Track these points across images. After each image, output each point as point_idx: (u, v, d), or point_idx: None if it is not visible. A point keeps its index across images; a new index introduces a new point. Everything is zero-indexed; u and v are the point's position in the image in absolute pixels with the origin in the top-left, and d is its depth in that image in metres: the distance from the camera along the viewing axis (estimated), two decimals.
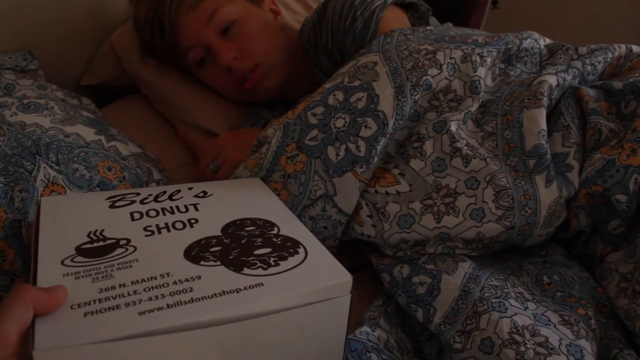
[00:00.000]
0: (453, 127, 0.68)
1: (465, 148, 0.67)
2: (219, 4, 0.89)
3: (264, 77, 0.93)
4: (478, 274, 0.64)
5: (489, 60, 0.75)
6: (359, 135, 0.66)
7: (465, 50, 0.73)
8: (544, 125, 0.68)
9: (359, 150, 0.66)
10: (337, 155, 0.66)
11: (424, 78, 0.69)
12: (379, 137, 0.66)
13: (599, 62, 0.80)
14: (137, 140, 0.89)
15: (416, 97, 0.69)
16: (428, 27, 0.84)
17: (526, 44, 0.82)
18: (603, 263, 0.68)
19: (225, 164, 0.79)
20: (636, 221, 0.66)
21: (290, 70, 0.97)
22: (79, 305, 0.41)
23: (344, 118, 0.67)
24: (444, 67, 0.71)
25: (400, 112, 0.67)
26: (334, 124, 0.67)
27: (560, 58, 0.81)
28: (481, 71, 0.72)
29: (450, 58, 0.71)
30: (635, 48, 0.84)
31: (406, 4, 0.93)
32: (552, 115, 0.73)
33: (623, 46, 0.84)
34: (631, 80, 0.73)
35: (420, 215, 0.66)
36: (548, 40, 0.89)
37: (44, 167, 0.68)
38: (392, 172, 0.68)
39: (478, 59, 0.72)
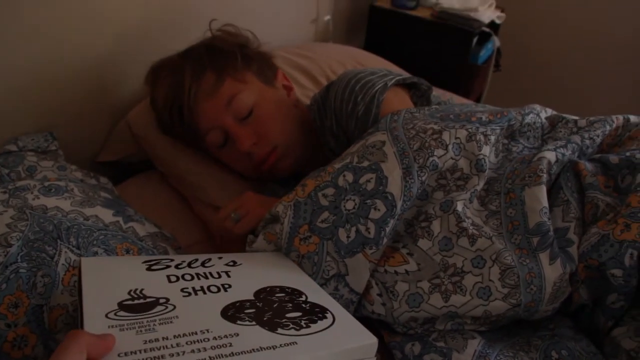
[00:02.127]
0: (459, 206, 0.71)
1: (471, 228, 0.69)
2: (236, 90, 0.91)
3: (281, 158, 0.96)
4: (487, 351, 0.65)
5: (492, 138, 0.78)
6: (369, 217, 0.69)
7: (470, 130, 0.76)
8: (545, 203, 0.70)
9: (369, 232, 0.68)
10: (347, 237, 0.68)
11: (431, 159, 0.72)
12: (388, 219, 0.69)
13: (598, 136, 0.83)
14: (153, 219, 0.92)
15: (423, 178, 0.71)
16: (434, 106, 0.87)
17: (528, 119, 0.85)
18: (609, 337, 0.68)
19: (247, 215, 0.81)
20: (630, 296, 0.67)
21: (305, 146, 0.99)
22: (125, 354, 0.43)
23: (354, 200, 0.69)
24: (450, 147, 0.73)
25: (407, 194, 0.70)
26: (344, 206, 0.69)
27: (561, 132, 0.84)
28: (486, 149, 0.75)
29: (456, 138, 0.74)
30: (632, 118, 0.88)
31: (408, 84, 0.96)
32: (552, 190, 0.75)
33: (620, 117, 0.87)
34: (627, 154, 0.75)
35: (429, 294, 0.68)
36: (549, 111, 0.92)
37: (65, 252, 0.70)
38: (400, 251, 0.71)
39: (482, 137, 0.75)
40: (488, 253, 0.68)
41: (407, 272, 0.69)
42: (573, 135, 0.83)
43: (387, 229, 0.69)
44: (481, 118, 0.80)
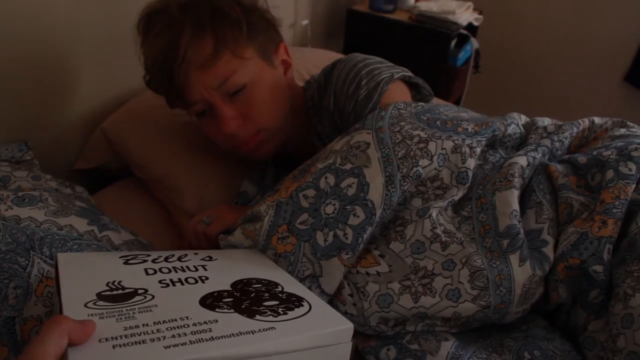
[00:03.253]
0: (434, 213, 0.71)
1: (443, 235, 0.70)
2: (232, 69, 0.84)
3: (263, 142, 0.93)
4: (460, 353, 0.66)
5: (478, 150, 0.77)
6: (347, 223, 0.69)
7: (456, 141, 0.75)
8: (515, 206, 0.71)
9: (346, 238, 0.68)
10: (325, 240, 0.68)
11: (415, 169, 0.71)
12: (366, 226, 0.69)
13: (566, 138, 0.85)
14: (129, 226, 0.92)
15: (405, 187, 0.71)
16: (421, 104, 0.85)
17: (510, 130, 0.85)
18: (586, 332, 0.69)
19: (218, 220, 0.82)
20: (609, 289, 0.68)
21: (289, 130, 0.96)
22: (106, 339, 0.44)
23: (334, 204, 0.69)
24: (435, 157, 0.73)
25: (388, 202, 0.70)
26: (324, 210, 0.69)
27: (531, 137, 0.86)
28: (470, 162, 0.75)
29: (442, 149, 0.74)
30: (597, 120, 0.90)
31: (412, 83, 0.95)
32: (525, 193, 0.76)
33: (587, 120, 0.90)
34: (594, 153, 0.77)
35: (399, 295, 0.68)
36: (524, 118, 0.93)
37: (38, 262, 0.70)
38: (372, 253, 0.71)
39: (468, 150, 0.75)
40: (458, 257, 0.68)
41: (378, 273, 0.70)
42: (543, 139, 0.84)
43: (365, 236, 0.69)
44: (467, 129, 0.79)
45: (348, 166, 0.71)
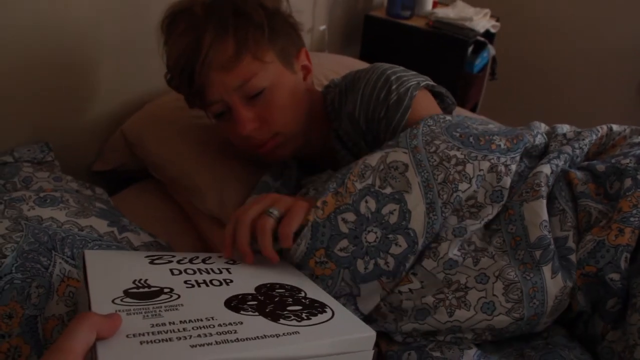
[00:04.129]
0: (469, 231, 0.72)
1: (474, 252, 0.70)
2: (252, 72, 0.85)
3: (279, 146, 0.93)
4: None
5: (513, 167, 0.77)
6: (389, 252, 0.68)
7: (492, 161, 0.75)
8: (545, 216, 0.71)
9: (388, 266, 0.68)
10: (365, 268, 0.68)
11: (455, 195, 0.71)
12: (409, 255, 0.69)
13: (586, 145, 0.85)
14: (148, 228, 0.92)
15: (446, 214, 0.71)
16: (448, 117, 0.84)
17: (537, 140, 0.85)
18: (604, 342, 0.69)
19: (291, 214, 0.67)
20: (627, 299, 0.68)
21: (307, 135, 0.97)
22: (134, 335, 0.44)
23: (376, 232, 0.68)
24: (473, 180, 0.73)
25: (430, 230, 0.70)
26: (365, 238, 0.68)
27: (552, 145, 0.85)
28: (506, 181, 0.75)
29: (480, 170, 0.73)
30: (615, 127, 0.90)
31: (435, 92, 0.95)
32: (548, 201, 0.76)
33: (605, 127, 0.89)
34: (613, 161, 0.77)
35: (434, 309, 0.68)
36: (544, 127, 0.93)
37: (60, 262, 0.71)
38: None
39: (503, 169, 0.75)
40: (491, 270, 0.69)
41: (410, 290, 0.70)
42: (563, 146, 0.84)
43: (407, 265, 0.69)
44: (500, 145, 0.77)
45: (388, 190, 0.69)
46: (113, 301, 0.50)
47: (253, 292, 0.59)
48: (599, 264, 0.68)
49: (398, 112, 0.85)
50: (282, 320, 0.52)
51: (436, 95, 0.95)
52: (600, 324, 0.70)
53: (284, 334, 0.49)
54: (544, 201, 0.72)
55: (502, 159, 0.76)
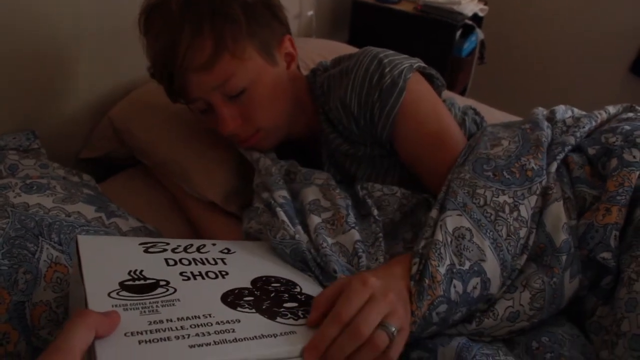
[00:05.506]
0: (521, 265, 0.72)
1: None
2: (232, 72, 0.84)
3: (263, 140, 0.94)
4: (470, 344, 0.66)
5: (551, 182, 0.76)
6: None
7: (537, 192, 0.73)
8: (564, 218, 0.71)
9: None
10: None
11: (520, 243, 0.71)
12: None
13: (585, 132, 0.84)
14: (136, 214, 0.92)
15: (515, 265, 0.70)
16: (460, 156, 0.82)
17: (549, 137, 0.83)
18: (593, 317, 0.70)
19: (402, 329, 0.59)
20: (617, 275, 0.69)
21: (292, 123, 0.96)
22: (132, 334, 0.44)
23: (462, 311, 0.68)
24: (529, 222, 0.72)
25: (502, 285, 0.70)
26: (452, 319, 0.68)
27: (554, 134, 0.84)
28: (543, 203, 0.74)
29: (531, 208, 0.73)
30: (611, 109, 0.89)
31: (426, 74, 0.94)
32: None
33: (603, 112, 0.88)
34: (602, 139, 0.78)
35: (468, 319, 0.69)
36: (544, 112, 0.92)
37: (47, 248, 0.70)
38: None
39: (543, 190, 0.74)
40: (519, 280, 0.70)
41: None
42: (564, 134, 0.83)
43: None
44: (534, 169, 0.75)
45: (467, 265, 0.67)
46: (109, 294, 0.50)
47: (249, 286, 0.58)
48: (589, 246, 0.69)
49: (393, 95, 0.84)
50: (279, 319, 0.52)
51: (426, 76, 0.94)
52: (593, 299, 0.71)
53: (281, 333, 0.50)
54: (560, 202, 0.72)
55: (544, 181, 0.75)
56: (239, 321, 0.50)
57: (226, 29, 0.83)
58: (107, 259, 0.57)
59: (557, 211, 0.72)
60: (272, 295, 0.58)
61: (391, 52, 0.89)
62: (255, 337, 0.48)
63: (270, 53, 0.90)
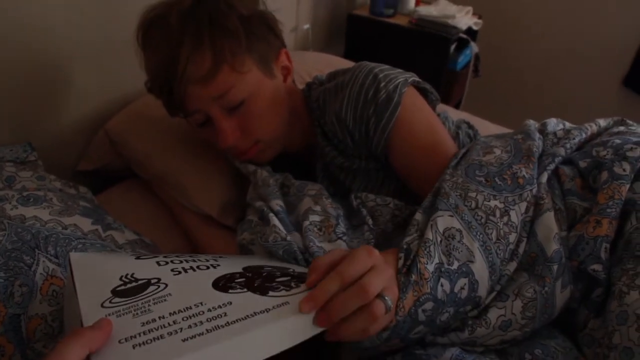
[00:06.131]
0: (509, 274, 0.72)
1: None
2: (230, 84, 0.85)
3: (262, 152, 0.94)
4: (464, 355, 0.67)
5: (542, 192, 0.77)
6: (457, 318, 0.70)
7: (528, 199, 0.74)
8: (555, 228, 0.72)
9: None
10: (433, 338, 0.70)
11: (509, 248, 0.71)
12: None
13: (576, 144, 0.85)
14: (132, 227, 0.92)
15: (504, 271, 0.71)
16: (461, 153, 0.84)
17: (540, 148, 0.84)
18: (585, 329, 0.70)
19: (391, 309, 0.59)
20: (609, 288, 0.69)
21: (289, 136, 0.97)
22: (126, 340, 0.44)
23: (449, 312, 0.67)
24: (518, 227, 0.73)
25: (491, 290, 0.70)
26: (439, 319, 0.67)
27: (544, 146, 0.85)
28: (534, 212, 0.75)
29: (521, 214, 0.73)
30: (602, 122, 0.90)
31: (420, 88, 0.95)
32: None
33: (594, 125, 0.90)
34: (593, 153, 0.79)
35: (461, 327, 0.70)
36: (536, 124, 0.92)
37: (43, 261, 0.70)
38: None
39: (534, 199, 0.75)
40: (510, 289, 0.70)
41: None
42: (555, 146, 0.84)
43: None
44: (525, 177, 0.76)
45: (455, 265, 0.67)
46: (102, 305, 0.50)
47: (241, 271, 0.58)
48: (580, 257, 0.69)
49: (388, 109, 0.85)
50: (271, 292, 0.52)
51: (421, 91, 0.95)
52: (584, 312, 0.71)
53: (273, 307, 0.49)
54: (552, 213, 0.73)
55: (534, 191, 0.75)
56: (231, 303, 0.49)
57: (225, 42, 0.84)
58: (99, 271, 0.57)
59: (549, 221, 0.72)
60: (264, 274, 0.57)
61: (386, 66, 0.90)
62: (248, 316, 0.47)
63: (268, 66, 0.91)
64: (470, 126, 1.06)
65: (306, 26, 1.92)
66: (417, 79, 0.92)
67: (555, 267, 0.69)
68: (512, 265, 0.71)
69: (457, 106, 2.22)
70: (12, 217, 0.76)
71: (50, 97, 1.11)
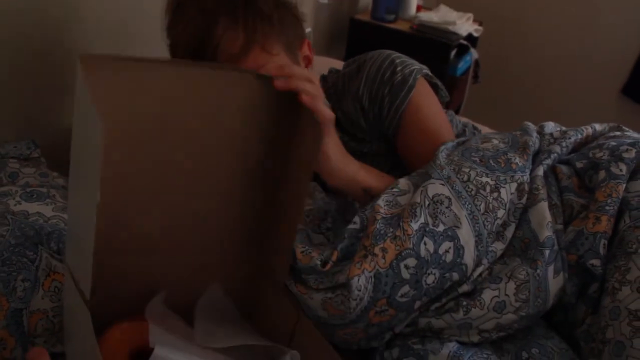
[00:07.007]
0: (497, 255, 0.74)
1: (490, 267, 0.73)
2: (260, 65, 0.84)
3: None
4: (461, 352, 0.68)
5: (538, 184, 0.79)
6: (444, 289, 0.71)
7: (518, 181, 0.77)
8: (549, 217, 0.73)
9: (440, 301, 0.71)
10: (421, 306, 0.71)
11: (496, 222, 0.73)
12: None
13: (571, 144, 0.87)
14: None
15: (490, 243, 0.73)
16: (456, 140, 0.86)
17: (537, 145, 0.86)
18: (583, 325, 0.72)
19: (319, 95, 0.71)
20: (603, 284, 0.71)
21: None
22: None
23: (434, 274, 0.69)
24: (507, 204, 0.75)
25: (477, 262, 0.72)
26: (425, 281, 0.69)
27: (541, 145, 0.87)
28: (525, 198, 0.77)
29: (511, 193, 0.75)
30: (597, 127, 0.92)
31: (432, 83, 0.98)
32: None
33: (590, 127, 0.92)
34: (590, 155, 0.81)
35: (455, 307, 0.70)
36: (533, 127, 0.95)
37: (46, 257, 0.71)
38: None
39: (526, 187, 0.77)
40: (504, 272, 0.71)
41: None
42: (552, 145, 0.86)
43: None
44: (518, 164, 0.79)
45: (441, 227, 0.70)
46: None
47: None
48: (579, 252, 0.71)
49: (402, 90, 0.89)
50: None
51: (432, 86, 0.98)
52: (583, 308, 0.73)
53: None
54: (546, 203, 0.75)
55: (525, 177, 0.77)
56: None
57: (258, 24, 0.85)
58: None
59: (543, 210, 0.74)
60: None
61: (402, 55, 0.94)
62: None
63: (294, 52, 0.92)
64: (475, 127, 1.10)
65: (308, 29, 1.93)
66: (430, 73, 0.96)
67: (547, 251, 0.71)
68: (500, 245, 0.73)
69: (456, 112, 2.23)
70: (15, 213, 0.77)
71: (55, 94, 1.12)
